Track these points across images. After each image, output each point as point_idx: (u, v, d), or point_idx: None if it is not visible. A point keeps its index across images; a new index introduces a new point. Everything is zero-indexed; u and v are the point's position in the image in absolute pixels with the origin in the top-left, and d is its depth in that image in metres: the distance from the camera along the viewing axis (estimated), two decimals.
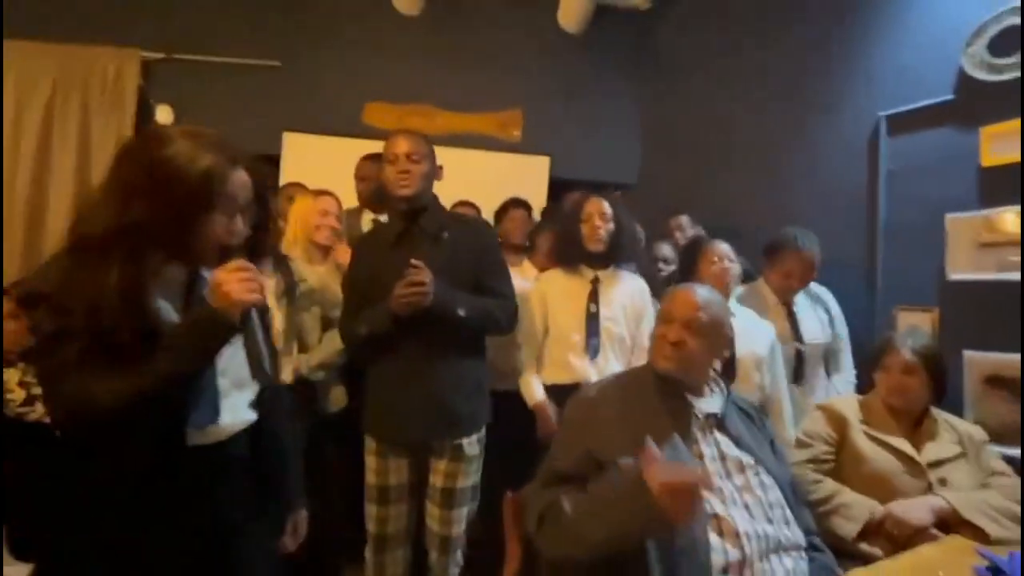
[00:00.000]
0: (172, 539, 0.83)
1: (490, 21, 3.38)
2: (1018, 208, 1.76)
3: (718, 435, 1.11)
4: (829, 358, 1.93)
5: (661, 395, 1.13)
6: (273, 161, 3.12)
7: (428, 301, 1.41)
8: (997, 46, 1.85)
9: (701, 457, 1.07)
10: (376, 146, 2.68)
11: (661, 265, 2.15)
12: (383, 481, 1.55)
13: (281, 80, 3.23)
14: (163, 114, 3.13)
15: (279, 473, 1.03)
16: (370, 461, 1.57)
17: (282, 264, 1.76)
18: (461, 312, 1.47)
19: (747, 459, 1.09)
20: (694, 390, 1.16)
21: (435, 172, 1.62)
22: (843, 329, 1.96)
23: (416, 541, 1.63)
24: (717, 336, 1.16)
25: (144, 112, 3.13)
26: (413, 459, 1.56)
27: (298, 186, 2.39)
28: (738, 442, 1.12)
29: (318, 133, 3.13)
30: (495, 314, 1.55)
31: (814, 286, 1.97)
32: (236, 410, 0.91)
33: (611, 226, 1.78)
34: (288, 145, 3.11)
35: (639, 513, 0.86)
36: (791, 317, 1.90)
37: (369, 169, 2.47)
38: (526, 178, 3.16)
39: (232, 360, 0.89)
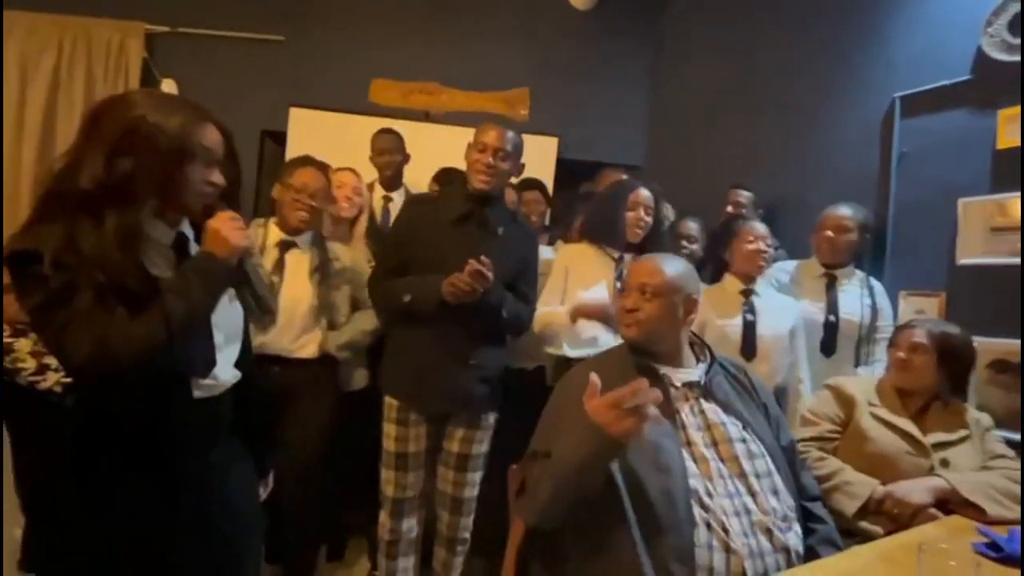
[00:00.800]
0: (170, 486, 0.89)
1: None
2: None
3: (704, 403, 1.11)
4: (865, 344, 1.90)
5: (638, 368, 1.13)
6: (279, 137, 3.10)
7: (478, 296, 1.48)
8: (1018, 26, 1.81)
9: (684, 428, 1.06)
10: (382, 122, 2.69)
11: (684, 243, 2.13)
12: (403, 448, 1.61)
13: (287, 55, 3.20)
14: (168, 87, 3.11)
15: (258, 433, 1.11)
16: (389, 428, 1.62)
17: (318, 241, 1.79)
18: (504, 313, 1.57)
19: (735, 426, 1.09)
20: (670, 359, 1.16)
21: (515, 169, 1.65)
22: (888, 322, 1.93)
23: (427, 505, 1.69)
24: (673, 299, 1.15)
25: (148, 85, 3.10)
26: (432, 427, 1.62)
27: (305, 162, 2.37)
28: (726, 408, 1.11)
29: (324, 109, 3.11)
30: (523, 319, 1.66)
31: (870, 278, 1.96)
32: (227, 365, 0.96)
33: (650, 219, 1.79)
34: (294, 121, 3.09)
35: (586, 439, 0.90)
36: (830, 291, 1.90)
37: (386, 142, 2.45)
38: (534, 158, 3.09)
39: (224, 314, 0.93)
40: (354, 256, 1.89)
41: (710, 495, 0.98)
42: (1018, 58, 1.80)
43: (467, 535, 1.67)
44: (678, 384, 1.12)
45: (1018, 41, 1.81)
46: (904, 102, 2.11)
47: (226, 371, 0.96)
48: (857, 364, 1.88)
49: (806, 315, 1.88)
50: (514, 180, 2.49)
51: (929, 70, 2.04)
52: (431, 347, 1.56)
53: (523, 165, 1.68)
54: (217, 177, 0.89)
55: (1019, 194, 1.77)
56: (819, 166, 2.43)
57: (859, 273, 1.96)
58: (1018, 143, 1.78)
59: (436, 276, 1.50)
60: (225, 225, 0.87)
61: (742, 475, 1.03)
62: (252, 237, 0.90)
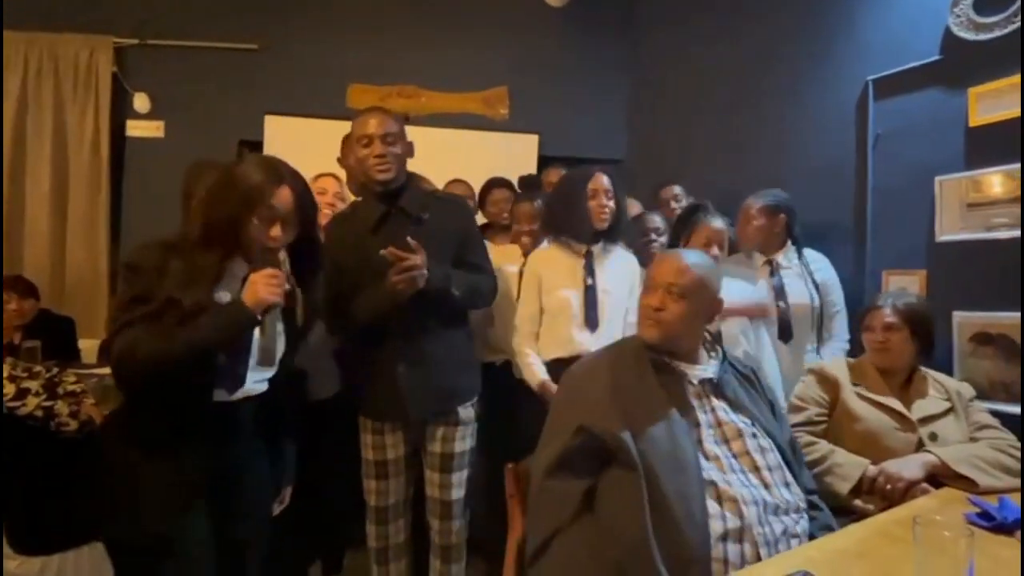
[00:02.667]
0: (184, 480, 1.04)
1: None
2: (1005, 168, 1.77)
3: (715, 401, 1.11)
4: (822, 323, 1.94)
5: (653, 365, 1.12)
6: (255, 146, 3.06)
7: (423, 283, 1.42)
8: (983, 5, 1.84)
9: (698, 425, 1.06)
10: None
11: (652, 236, 2.14)
12: (380, 456, 1.58)
13: (260, 63, 3.16)
14: (140, 101, 3.06)
15: (279, 443, 1.24)
16: (366, 438, 1.60)
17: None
18: (455, 292, 1.50)
19: (745, 423, 1.09)
20: (687, 357, 1.15)
21: (409, 150, 1.59)
22: (837, 295, 1.97)
23: (417, 513, 1.66)
24: (701, 299, 1.15)
25: (120, 100, 3.05)
26: (409, 432, 1.58)
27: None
28: (735, 406, 1.11)
29: (300, 115, 3.07)
30: (481, 288, 1.61)
31: (807, 251, 1.97)
32: (255, 381, 1.12)
33: (612, 203, 1.77)
34: (270, 129, 3.05)
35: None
36: (774, 277, 1.92)
37: (348, 151, 2.43)
38: (515, 156, 3.13)
39: (264, 344, 1.11)
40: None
41: (727, 484, 0.99)
42: (986, 36, 1.83)
43: (460, 541, 1.61)
44: (694, 381, 1.11)
45: (985, 19, 1.84)
46: (877, 85, 2.14)
47: (253, 384, 1.10)
48: (819, 342, 1.91)
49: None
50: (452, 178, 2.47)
51: (900, 52, 2.07)
52: (388, 357, 1.51)
53: (412, 144, 1.60)
54: (276, 232, 1.05)
55: (993, 169, 1.80)
56: (796, 152, 2.45)
57: (793, 251, 1.96)
58: (990, 120, 1.82)
59: (375, 289, 1.47)
60: (261, 279, 1.02)
61: (755, 469, 1.04)
62: (282, 294, 1.04)
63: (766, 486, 1.02)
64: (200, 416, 1.05)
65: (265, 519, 1.21)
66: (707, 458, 1.02)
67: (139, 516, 1.01)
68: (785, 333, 1.88)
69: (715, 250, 1.79)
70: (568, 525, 0.99)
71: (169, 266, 0.99)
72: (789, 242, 1.97)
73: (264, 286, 1.01)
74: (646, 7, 3.34)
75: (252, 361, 1.09)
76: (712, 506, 0.96)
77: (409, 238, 1.41)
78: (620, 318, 1.79)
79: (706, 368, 1.15)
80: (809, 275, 1.92)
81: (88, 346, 2.64)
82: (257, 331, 1.08)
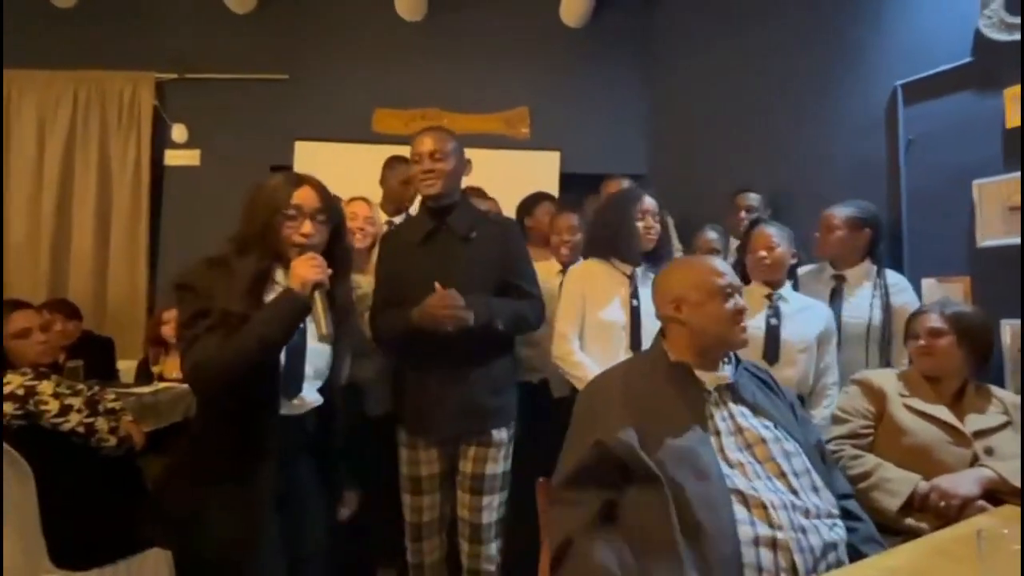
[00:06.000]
0: (255, 499, 1.05)
1: (492, 21, 3.40)
2: None
3: (732, 406, 1.08)
4: (872, 346, 1.79)
5: (669, 379, 1.10)
6: (285, 171, 3.16)
7: (469, 323, 1.45)
8: (1014, 5, 1.80)
9: (718, 434, 1.03)
10: (387, 151, 2.74)
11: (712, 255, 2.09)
12: (415, 472, 1.58)
13: (290, 92, 3.29)
14: (178, 132, 3.21)
15: (337, 454, 1.27)
16: (402, 453, 1.61)
17: None
18: (500, 326, 1.52)
19: (767, 427, 1.06)
20: (714, 365, 1.13)
21: (462, 168, 1.63)
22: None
23: (452, 533, 1.64)
24: None
25: (160, 131, 3.20)
26: (443, 449, 1.58)
27: None
28: (755, 410, 1.08)
29: (328, 140, 3.17)
30: (528, 317, 1.60)
31: (889, 274, 1.84)
32: (311, 391, 1.15)
33: (659, 225, 1.77)
34: (299, 154, 3.16)
35: None
36: (836, 292, 1.84)
37: (387, 173, 2.50)
38: (537, 174, 3.15)
39: (315, 353, 1.14)
40: (373, 282, 1.89)
41: (754, 490, 0.95)
42: (1017, 37, 1.79)
43: (492, 568, 1.58)
44: (711, 388, 1.09)
45: (1016, 20, 1.80)
46: (906, 89, 2.10)
47: (310, 395, 1.14)
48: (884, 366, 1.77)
49: None
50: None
51: (929, 56, 2.03)
52: (429, 378, 1.54)
53: (469, 161, 1.66)
54: (307, 228, 1.08)
55: None
56: (825, 159, 2.41)
57: (871, 270, 1.84)
58: None
59: (403, 311, 1.49)
60: (301, 262, 1.05)
61: (781, 475, 1.00)
62: (324, 273, 1.06)
63: (794, 492, 0.98)
64: (268, 430, 1.07)
65: (324, 534, 1.21)
66: (731, 465, 0.99)
67: (215, 533, 1.03)
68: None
69: (762, 253, 1.74)
70: (583, 533, 0.96)
71: (216, 280, 1.05)
72: (868, 260, 1.85)
73: (305, 267, 1.04)
74: (664, 20, 3.37)
75: (309, 370, 1.12)
76: (740, 511, 0.93)
77: (453, 291, 1.44)
78: None
79: (721, 374, 1.12)
80: (884, 297, 1.79)
81: (126, 366, 2.72)
82: (311, 335, 1.10)
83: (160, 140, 3.22)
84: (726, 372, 1.13)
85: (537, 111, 3.37)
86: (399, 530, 1.64)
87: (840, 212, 1.86)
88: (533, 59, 3.41)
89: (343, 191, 2.16)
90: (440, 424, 1.53)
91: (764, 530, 0.91)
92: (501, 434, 1.58)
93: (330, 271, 1.07)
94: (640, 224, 1.73)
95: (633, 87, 3.43)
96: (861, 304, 1.80)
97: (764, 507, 0.93)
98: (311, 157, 3.16)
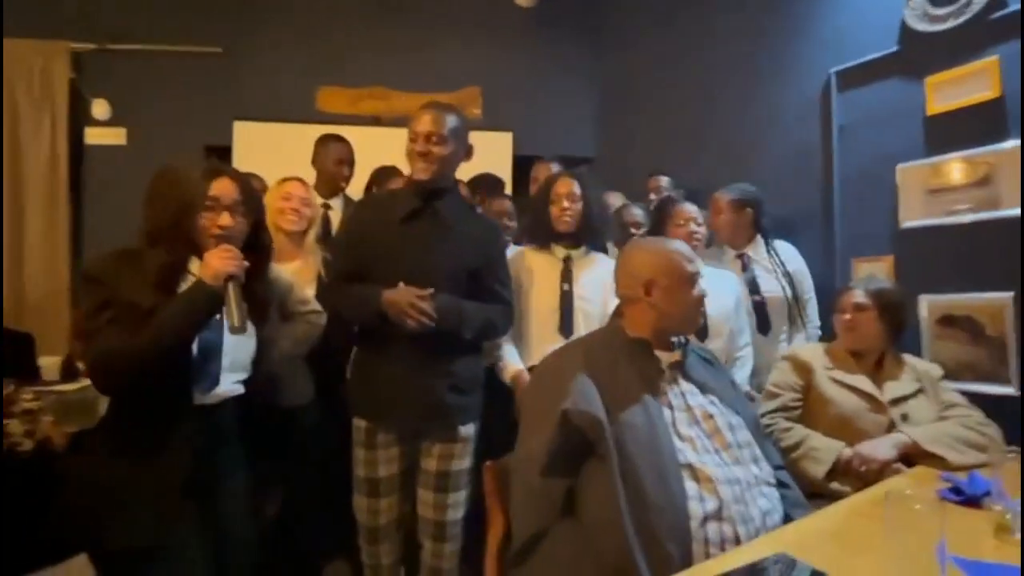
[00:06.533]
0: (178, 476, 1.04)
1: None
2: (964, 153, 1.82)
3: (683, 384, 1.12)
4: (794, 313, 1.96)
5: (628, 354, 1.12)
6: (223, 151, 2.99)
7: (431, 328, 1.38)
8: None
9: (671, 408, 1.07)
10: (330, 130, 2.63)
11: (632, 230, 2.14)
12: (372, 472, 1.48)
13: (226, 67, 3.08)
14: (99, 108, 2.96)
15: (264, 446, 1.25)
16: (358, 452, 1.50)
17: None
18: (467, 334, 1.45)
19: (712, 403, 1.11)
20: (667, 345, 1.16)
21: (461, 153, 1.53)
22: (807, 283, 1.99)
23: (410, 532, 1.57)
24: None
25: (78, 107, 2.94)
26: (404, 447, 1.50)
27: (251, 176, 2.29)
28: (702, 388, 1.13)
29: (270, 120, 3.01)
30: (497, 325, 1.55)
31: (776, 243, 2.00)
32: (228, 382, 1.13)
33: (579, 206, 1.74)
34: (239, 134, 2.98)
35: None
36: (746, 271, 1.94)
37: (343, 152, 2.40)
38: (489, 155, 3.10)
39: (235, 345, 1.12)
40: (294, 273, 1.80)
41: (703, 464, 1.00)
42: (941, 27, 1.89)
43: (452, 566, 1.53)
44: (663, 366, 1.12)
45: (939, 11, 1.90)
46: (840, 76, 2.19)
47: (226, 386, 1.11)
48: (792, 330, 1.93)
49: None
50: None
51: (861, 44, 2.12)
52: (396, 360, 1.44)
53: (471, 147, 1.56)
54: (225, 220, 1.06)
55: (951, 156, 1.86)
56: (763, 144, 2.49)
57: (762, 244, 1.98)
58: (947, 108, 1.87)
59: (374, 289, 1.41)
60: (214, 254, 1.03)
61: (727, 447, 1.05)
62: (239, 266, 1.04)
63: (737, 462, 1.04)
64: (181, 420, 1.05)
65: (250, 526, 1.19)
66: (681, 439, 1.03)
67: (128, 525, 1.01)
68: (763, 325, 1.90)
69: (692, 226, 1.78)
70: (552, 526, 0.98)
71: (123, 272, 1.02)
72: (759, 236, 2.00)
73: (218, 259, 1.02)
74: (614, 6, 3.37)
75: (226, 362, 1.10)
76: (691, 487, 0.97)
77: (429, 292, 1.37)
78: (596, 325, 1.78)
79: (672, 353, 1.17)
80: (780, 266, 1.95)
81: (49, 363, 2.53)
82: (227, 328, 1.07)
83: (78, 117, 2.96)
84: (677, 352, 1.16)
85: (489, 91, 3.31)
86: (350, 523, 1.56)
87: (723, 195, 2.00)
88: (485, 38, 3.33)
89: (286, 173, 2.06)
90: (404, 419, 1.45)
91: (712, 504, 0.96)
92: (468, 430, 1.51)
93: (247, 263, 1.05)
94: (553, 208, 1.74)
95: (584, 69, 3.42)
96: (770, 280, 1.93)
97: (711, 481, 0.98)
98: (251, 137, 2.99)
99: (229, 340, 1.10)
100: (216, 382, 1.08)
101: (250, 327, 1.12)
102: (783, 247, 2.01)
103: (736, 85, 2.63)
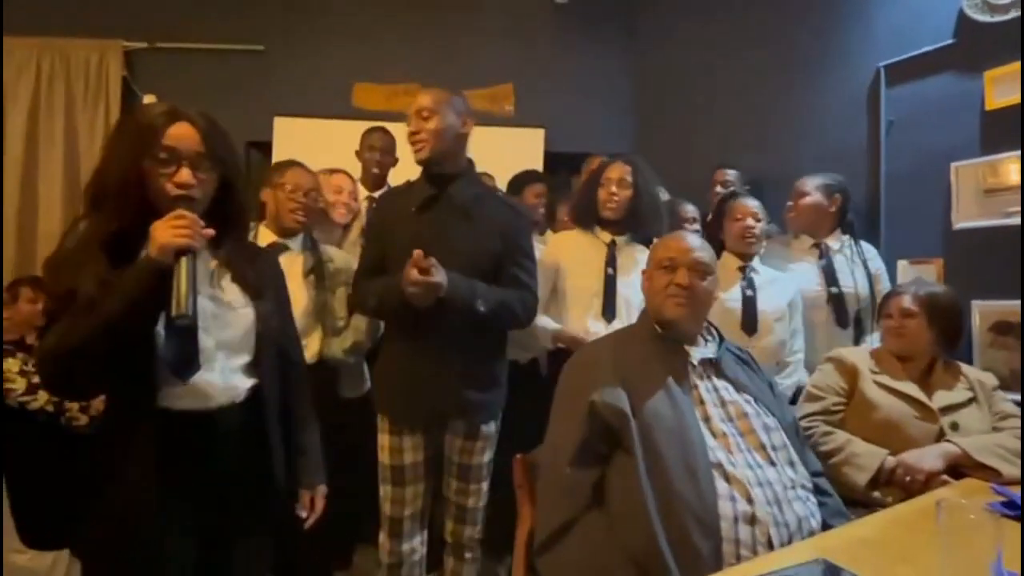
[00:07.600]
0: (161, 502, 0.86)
1: None
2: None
3: (716, 381, 1.11)
4: (864, 315, 1.83)
5: (657, 347, 1.12)
6: (264, 147, 3.08)
7: (440, 294, 1.33)
8: None
9: (702, 401, 1.06)
10: (367, 126, 2.67)
11: (685, 226, 2.09)
12: (398, 460, 1.48)
13: (267, 65, 3.17)
14: (149, 103, 3.08)
15: (291, 448, 1.03)
16: (383, 440, 1.50)
17: (309, 244, 1.74)
18: (480, 308, 1.38)
19: (748, 402, 1.09)
20: (692, 339, 1.15)
21: (459, 127, 1.45)
22: (886, 285, 1.87)
23: (432, 521, 1.59)
24: (714, 279, 1.18)
25: (130, 103, 3.08)
26: (428, 436, 1.50)
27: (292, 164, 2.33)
28: (737, 386, 1.11)
29: (307, 116, 3.08)
30: (515, 308, 1.45)
31: (860, 243, 1.90)
32: (224, 375, 0.91)
33: (628, 193, 1.72)
34: (279, 130, 3.07)
35: None
36: (824, 259, 1.84)
37: (381, 140, 2.44)
38: (522, 151, 3.11)
39: (220, 319, 0.92)
40: (347, 258, 1.85)
41: (733, 465, 0.98)
42: (1001, 18, 1.79)
43: (474, 542, 1.55)
44: (695, 362, 1.11)
45: (999, 2, 1.80)
46: (888, 71, 2.10)
47: (221, 379, 0.90)
48: (862, 334, 1.82)
49: (804, 290, 1.83)
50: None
51: (911, 37, 2.03)
52: (413, 359, 1.44)
53: (464, 118, 1.49)
54: (183, 177, 0.85)
55: (1010, 154, 1.76)
56: (806, 140, 2.41)
57: (847, 240, 1.89)
58: (1007, 103, 1.78)
59: (393, 278, 1.37)
60: (162, 223, 0.81)
61: (760, 447, 1.03)
62: (193, 236, 0.82)
63: (771, 463, 1.01)
64: (143, 425, 0.85)
65: (266, 543, 1.02)
66: (715, 436, 1.01)
67: (113, 526, 0.87)
68: (842, 319, 1.79)
69: (749, 221, 1.74)
70: (580, 517, 0.98)
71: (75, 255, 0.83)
72: (839, 230, 1.90)
73: (166, 229, 0.80)
74: (651, 1, 3.32)
75: (210, 342, 0.90)
76: (722, 487, 0.95)
77: (429, 256, 1.31)
78: (637, 311, 1.76)
79: (705, 349, 1.15)
80: (863, 263, 1.84)
81: None
82: (210, 306, 0.90)
83: (130, 112, 3.09)
84: (710, 348, 1.15)
85: (522, 88, 3.31)
86: (354, 529, 1.59)
87: (811, 180, 1.91)
88: (518, 34, 3.33)
89: (325, 166, 2.11)
90: (421, 408, 1.45)
91: (744, 506, 0.94)
92: (489, 428, 1.51)
93: (210, 232, 0.84)
94: (600, 191, 1.73)
95: (619, 65, 3.38)
96: (844, 273, 1.83)
97: (743, 483, 0.96)
98: (290, 132, 3.07)
99: (208, 311, 0.89)
100: (195, 365, 0.87)
101: (242, 299, 0.94)
102: (865, 245, 1.90)
103: (778, 80, 2.55)
